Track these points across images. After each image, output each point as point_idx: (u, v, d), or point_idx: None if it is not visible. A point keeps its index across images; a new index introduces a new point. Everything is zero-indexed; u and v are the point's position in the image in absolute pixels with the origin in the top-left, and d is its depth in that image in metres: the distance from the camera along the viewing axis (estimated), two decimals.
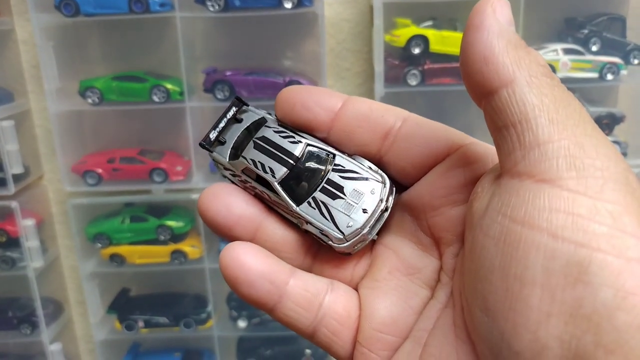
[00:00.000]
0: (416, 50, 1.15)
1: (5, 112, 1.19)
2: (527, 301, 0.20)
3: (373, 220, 0.29)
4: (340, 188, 0.30)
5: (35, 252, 1.28)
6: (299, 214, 0.30)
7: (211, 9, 1.12)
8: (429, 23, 1.17)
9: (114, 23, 1.20)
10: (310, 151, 0.30)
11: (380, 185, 0.30)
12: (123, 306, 1.36)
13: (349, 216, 0.29)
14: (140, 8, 1.11)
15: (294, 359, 1.38)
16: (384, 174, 0.30)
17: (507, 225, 0.22)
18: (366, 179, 0.30)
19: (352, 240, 0.29)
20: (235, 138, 0.32)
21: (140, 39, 1.24)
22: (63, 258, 1.43)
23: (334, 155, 0.30)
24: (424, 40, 1.15)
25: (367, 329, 0.29)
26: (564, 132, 0.22)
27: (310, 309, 0.29)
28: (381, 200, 0.30)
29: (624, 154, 1.24)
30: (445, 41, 1.15)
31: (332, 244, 0.30)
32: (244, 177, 0.31)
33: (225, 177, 0.33)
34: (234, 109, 0.33)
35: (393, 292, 0.29)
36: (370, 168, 0.30)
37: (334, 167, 0.30)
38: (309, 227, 0.30)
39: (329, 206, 0.30)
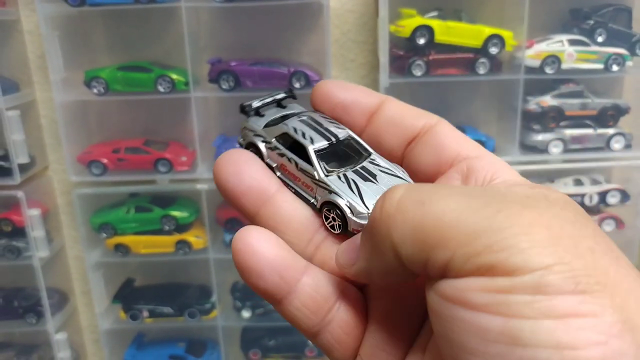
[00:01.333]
0: (421, 41, 1.15)
1: (10, 102, 1.20)
2: None
3: None
4: (373, 175, 0.30)
5: (40, 242, 1.29)
6: (325, 183, 0.30)
7: None
8: (434, 13, 1.17)
9: (119, 13, 1.20)
10: (351, 140, 0.31)
11: None
12: (128, 296, 1.37)
13: (377, 198, 0.28)
14: None
15: (297, 350, 1.39)
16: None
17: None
18: (399, 177, 0.30)
19: None
20: (273, 117, 0.33)
21: (146, 29, 1.24)
22: (68, 248, 1.44)
23: (371, 153, 0.31)
24: (429, 30, 1.15)
25: (370, 345, 0.28)
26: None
27: (317, 313, 0.28)
28: None
29: (629, 146, 1.24)
30: (450, 32, 1.15)
31: (351, 217, 0.29)
32: (274, 144, 0.31)
33: (240, 144, 0.33)
34: (283, 94, 0.34)
35: (402, 306, 0.29)
36: (404, 172, 0.31)
37: (370, 160, 0.31)
38: (332, 197, 0.29)
39: (358, 185, 0.30)
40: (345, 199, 0.29)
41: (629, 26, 1.20)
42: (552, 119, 1.22)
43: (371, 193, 0.29)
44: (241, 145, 0.34)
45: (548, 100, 1.22)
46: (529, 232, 0.21)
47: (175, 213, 1.29)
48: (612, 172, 1.32)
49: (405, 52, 1.18)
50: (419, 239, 0.23)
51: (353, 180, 0.30)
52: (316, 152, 0.30)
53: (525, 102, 1.21)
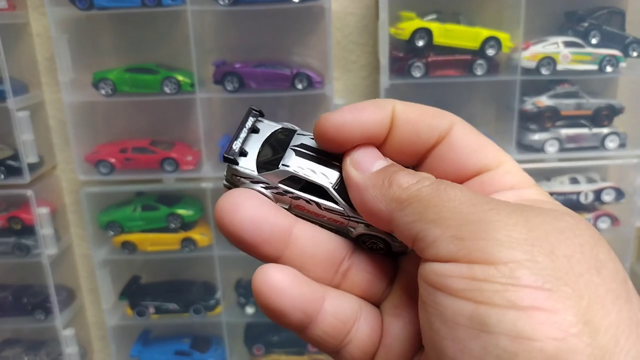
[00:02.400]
0: (420, 43, 1.18)
1: (20, 103, 1.23)
2: (445, 352, 0.23)
3: None
4: None
5: (49, 239, 1.31)
6: (358, 217, 0.29)
7: (221, 2, 1.15)
8: (433, 16, 1.20)
9: (126, 16, 1.23)
10: None
11: None
12: (134, 293, 1.40)
13: None
14: (152, 2, 1.14)
15: (300, 345, 1.41)
16: None
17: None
18: None
19: None
20: (258, 149, 0.31)
21: (152, 32, 1.27)
22: (76, 246, 1.47)
23: None
24: (427, 33, 1.18)
25: (385, 357, 0.30)
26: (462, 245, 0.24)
27: (337, 337, 0.30)
28: None
29: (623, 145, 1.27)
30: (448, 34, 1.18)
31: (394, 243, 0.30)
32: (283, 189, 0.30)
33: (228, 188, 0.31)
34: (251, 119, 0.32)
35: (414, 323, 0.30)
36: None
37: None
38: (371, 230, 0.30)
39: None
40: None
41: (622, 28, 1.23)
42: (548, 118, 1.25)
43: None
44: (229, 189, 0.31)
45: (544, 101, 1.25)
46: (511, 229, 0.23)
47: (181, 211, 1.32)
48: (607, 170, 1.35)
49: (405, 54, 1.21)
50: (418, 211, 0.26)
51: None
52: (336, 189, 0.29)
53: (522, 102, 1.25)
